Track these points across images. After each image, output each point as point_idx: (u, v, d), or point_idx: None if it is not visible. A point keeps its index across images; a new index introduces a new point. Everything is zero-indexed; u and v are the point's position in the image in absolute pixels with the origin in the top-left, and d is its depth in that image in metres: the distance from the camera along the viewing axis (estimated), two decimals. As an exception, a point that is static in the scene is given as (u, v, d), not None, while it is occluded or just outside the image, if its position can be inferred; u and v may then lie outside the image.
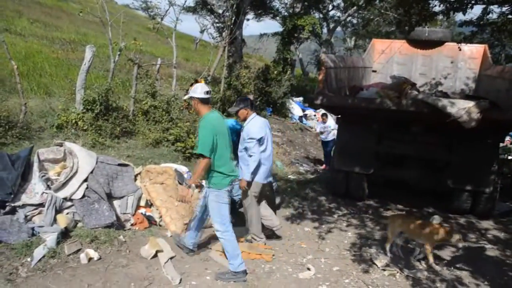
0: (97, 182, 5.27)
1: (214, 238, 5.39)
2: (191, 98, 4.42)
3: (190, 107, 10.66)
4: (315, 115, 16.57)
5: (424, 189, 7.99)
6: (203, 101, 4.38)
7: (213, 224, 4.61)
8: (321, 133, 11.70)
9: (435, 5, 6.25)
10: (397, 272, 4.79)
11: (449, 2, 5.86)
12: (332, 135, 11.23)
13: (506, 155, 10.73)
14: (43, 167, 5.32)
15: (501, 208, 7.66)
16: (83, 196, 5.13)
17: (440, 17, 6.92)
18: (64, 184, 5.09)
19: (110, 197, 5.36)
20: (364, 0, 6.92)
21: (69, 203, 5.07)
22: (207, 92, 4.39)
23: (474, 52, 9.24)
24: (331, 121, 11.49)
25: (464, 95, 7.68)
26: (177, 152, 8.27)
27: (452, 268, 4.97)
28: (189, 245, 4.90)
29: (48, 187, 5.05)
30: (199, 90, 4.37)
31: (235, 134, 5.73)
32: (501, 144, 7.31)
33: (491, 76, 8.09)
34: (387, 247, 5.22)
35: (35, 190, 5.02)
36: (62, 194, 5.02)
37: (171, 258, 4.71)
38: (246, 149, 5.10)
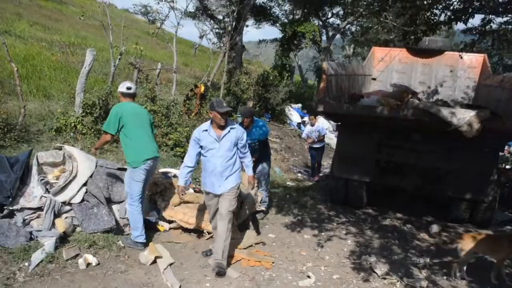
0: (96, 187, 5.24)
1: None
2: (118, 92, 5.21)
3: (190, 112, 10.72)
4: (313, 122, 16.57)
5: (423, 197, 7.98)
6: (124, 94, 5.11)
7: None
8: (309, 138, 10.41)
9: (437, 15, 6.26)
10: (397, 281, 4.77)
11: (452, 11, 5.88)
12: (319, 141, 10.19)
13: (504, 164, 10.75)
14: (42, 170, 5.30)
15: (500, 217, 7.67)
16: (82, 200, 5.11)
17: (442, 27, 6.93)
18: (63, 188, 5.06)
19: (109, 201, 5.34)
20: (370, 12, 6.92)
21: (67, 207, 5.05)
22: (129, 88, 5.11)
23: (473, 61, 9.27)
24: (320, 124, 10.58)
25: (465, 104, 7.68)
26: (176, 157, 8.24)
27: (451, 278, 4.94)
28: (138, 240, 4.97)
29: (47, 190, 5.02)
30: (122, 85, 5.17)
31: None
32: (500, 154, 7.30)
33: (490, 86, 8.11)
34: (458, 270, 4.95)
35: (33, 194, 4.99)
36: (61, 198, 5.00)
37: (170, 264, 4.68)
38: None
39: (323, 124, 10.73)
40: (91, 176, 5.33)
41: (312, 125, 10.32)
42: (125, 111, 4.94)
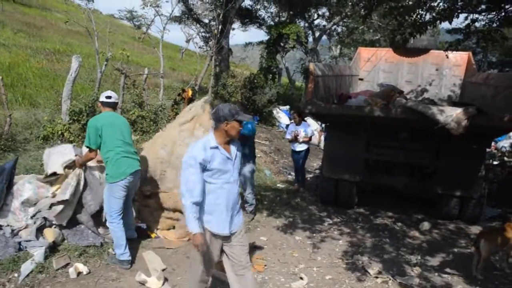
0: (85, 213, 5.07)
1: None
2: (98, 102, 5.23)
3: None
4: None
5: (413, 195, 8.03)
6: (103, 104, 4.91)
7: None
8: (292, 140, 8.89)
9: (423, 14, 6.31)
10: (390, 280, 4.78)
11: (437, 12, 5.93)
12: (304, 143, 8.79)
13: (491, 160, 10.86)
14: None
15: (489, 213, 7.75)
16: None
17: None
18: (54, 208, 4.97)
19: (100, 211, 5.23)
20: (361, 15, 6.96)
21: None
22: (108, 97, 4.91)
23: (458, 59, 9.37)
24: (304, 124, 9.02)
25: (451, 102, 7.75)
26: (166, 162, 8.19)
27: (444, 274, 4.98)
28: (121, 258, 4.71)
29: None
30: (102, 94, 5.00)
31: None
32: (487, 150, 7.38)
33: (476, 83, 8.20)
34: (479, 269, 4.91)
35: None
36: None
37: (162, 270, 4.65)
38: None
39: (310, 125, 9.58)
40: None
41: (297, 124, 8.91)
42: (102, 123, 4.68)
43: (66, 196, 4.81)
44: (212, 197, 3.33)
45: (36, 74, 11.16)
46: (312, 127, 9.43)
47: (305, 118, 9.46)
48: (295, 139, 8.73)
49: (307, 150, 8.97)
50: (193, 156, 3.24)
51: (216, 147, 3.30)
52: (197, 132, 6.12)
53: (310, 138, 9.01)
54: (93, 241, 4.95)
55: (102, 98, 4.92)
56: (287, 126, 16.21)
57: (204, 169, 3.26)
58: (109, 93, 4.98)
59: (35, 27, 18.42)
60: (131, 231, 5.18)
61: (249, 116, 3.55)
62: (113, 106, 4.98)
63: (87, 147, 4.74)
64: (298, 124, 8.85)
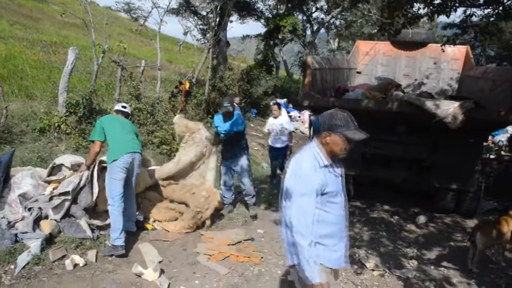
0: (79, 208, 5.09)
1: (201, 242, 5.36)
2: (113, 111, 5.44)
3: (176, 108, 10.65)
4: (299, 117, 16.61)
5: (410, 189, 8.05)
6: (117, 111, 5.31)
7: None
8: (269, 133, 8.29)
9: (420, 8, 6.30)
10: (386, 272, 4.80)
11: (433, 5, 5.91)
12: (283, 139, 8.05)
13: (488, 154, 10.88)
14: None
15: (485, 206, 7.78)
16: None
17: (423, 19, 6.97)
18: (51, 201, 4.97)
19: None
20: (349, 1, 6.93)
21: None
22: (124, 107, 5.37)
23: (456, 53, 9.36)
24: (284, 117, 8.39)
25: (449, 96, 7.75)
26: (163, 155, 8.20)
27: (440, 267, 5.00)
28: (115, 243, 4.74)
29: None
30: (118, 105, 5.46)
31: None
32: (484, 144, 7.39)
33: (473, 77, 8.19)
34: (474, 262, 4.93)
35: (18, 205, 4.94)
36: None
37: (159, 262, 4.65)
38: None
39: (288, 120, 8.51)
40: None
41: (275, 117, 8.17)
42: (108, 119, 5.12)
43: (69, 188, 4.88)
44: (325, 227, 2.64)
45: (33, 66, 11.09)
46: (291, 126, 8.40)
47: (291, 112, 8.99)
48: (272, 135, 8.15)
49: (286, 148, 8.20)
50: (307, 181, 2.52)
51: (326, 166, 2.63)
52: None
53: (291, 136, 8.27)
54: (89, 234, 4.94)
55: (118, 107, 5.34)
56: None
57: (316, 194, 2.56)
58: (124, 104, 5.45)
59: (31, 19, 18.29)
60: (131, 222, 5.21)
61: (363, 135, 2.70)
62: (126, 115, 5.32)
63: (91, 141, 5.02)
64: (276, 116, 8.15)
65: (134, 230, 5.29)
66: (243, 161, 6.38)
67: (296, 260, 2.57)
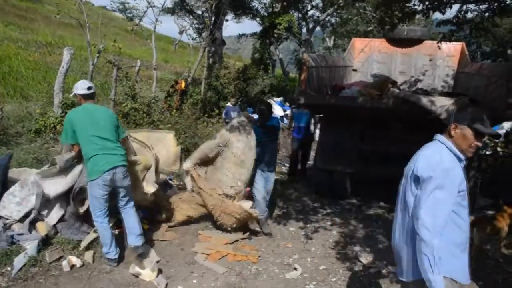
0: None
1: (198, 241, 5.36)
2: (75, 95, 4.59)
3: (171, 108, 10.64)
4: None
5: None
6: (84, 96, 4.49)
7: None
8: None
9: (415, 4, 6.31)
10: (382, 269, 4.81)
11: (428, 1, 5.93)
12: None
13: (484, 150, 10.90)
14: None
15: (482, 202, 7.79)
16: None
17: (418, 16, 7.00)
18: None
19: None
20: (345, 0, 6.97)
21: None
22: (89, 88, 4.50)
23: (452, 50, 9.38)
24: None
25: (444, 93, 7.77)
26: (159, 154, 8.16)
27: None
28: (108, 256, 4.53)
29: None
30: (80, 85, 4.52)
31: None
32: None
33: (469, 73, 8.21)
34: (472, 257, 4.89)
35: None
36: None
37: (156, 262, 4.64)
38: None
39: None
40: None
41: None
42: (77, 116, 4.37)
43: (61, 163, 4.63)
44: (458, 234, 2.38)
45: (28, 67, 11.07)
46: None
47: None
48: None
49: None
50: (450, 174, 2.26)
51: (461, 160, 2.38)
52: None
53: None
54: (83, 236, 4.90)
55: (81, 90, 4.48)
56: (281, 117, 15.51)
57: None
58: (87, 83, 4.60)
59: (26, 20, 18.25)
60: (133, 236, 4.59)
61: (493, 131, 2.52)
62: (93, 97, 4.58)
63: (64, 143, 4.59)
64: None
65: (139, 245, 4.60)
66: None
67: (416, 275, 2.29)
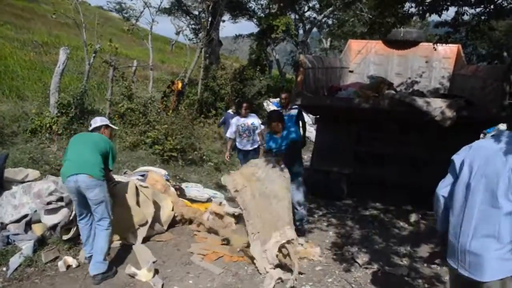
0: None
1: (195, 242, 5.36)
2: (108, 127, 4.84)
3: (168, 108, 10.63)
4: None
5: (403, 187, 8.09)
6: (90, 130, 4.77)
7: None
8: (241, 135, 7.34)
9: (411, 7, 6.34)
10: (379, 270, 4.83)
11: (424, 4, 5.95)
12: (256, 139, 7.38)
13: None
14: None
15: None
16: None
17: (414, 17, 7.03)
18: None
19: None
20: (342, 2, 6.99)
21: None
22: (89, 125, 4.85)
23: (448, 52, 9.41)
24: (254, 116, 7.54)
25: (440, 94, 7.80)
26: (155, 155, 8.17)
27: (433, 265, 5.03)
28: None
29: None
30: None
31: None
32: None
33: (465, 75, 8.24)
34: None
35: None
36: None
37: (153, 262, 4.64)
38: None
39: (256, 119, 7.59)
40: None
41: (243, 116, 7.34)
42: (75, 137, 4.61)
43: (64, 194, 4.78)
44: None
45: (24, 67, 11.03)
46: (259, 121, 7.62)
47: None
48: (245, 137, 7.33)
49: (257, 150, 7.45)
50: None
51: None
52: None
53: (261, 134, 7.44)
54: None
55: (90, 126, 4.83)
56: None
57: None
58: (96, 120, 4.82)
59: (22, 19, 18.19)
60: (93, 261, 4.22)
61: None
62: (93, 130, 4.73)
63: None
64: (244, 116, 7.33)
65: (96, 273, 4.17)
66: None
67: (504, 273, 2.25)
